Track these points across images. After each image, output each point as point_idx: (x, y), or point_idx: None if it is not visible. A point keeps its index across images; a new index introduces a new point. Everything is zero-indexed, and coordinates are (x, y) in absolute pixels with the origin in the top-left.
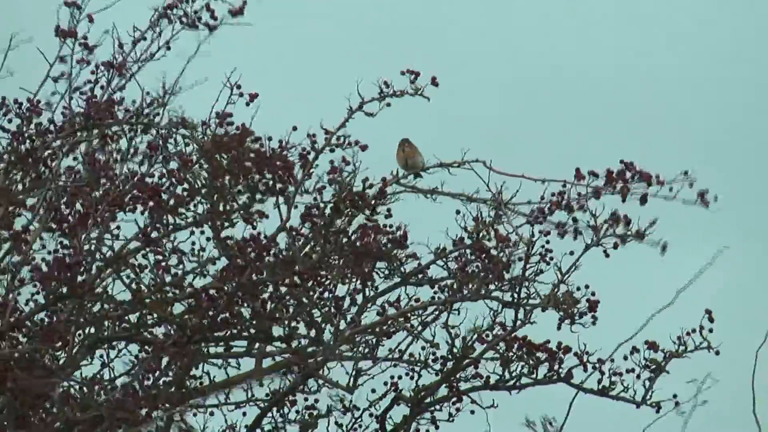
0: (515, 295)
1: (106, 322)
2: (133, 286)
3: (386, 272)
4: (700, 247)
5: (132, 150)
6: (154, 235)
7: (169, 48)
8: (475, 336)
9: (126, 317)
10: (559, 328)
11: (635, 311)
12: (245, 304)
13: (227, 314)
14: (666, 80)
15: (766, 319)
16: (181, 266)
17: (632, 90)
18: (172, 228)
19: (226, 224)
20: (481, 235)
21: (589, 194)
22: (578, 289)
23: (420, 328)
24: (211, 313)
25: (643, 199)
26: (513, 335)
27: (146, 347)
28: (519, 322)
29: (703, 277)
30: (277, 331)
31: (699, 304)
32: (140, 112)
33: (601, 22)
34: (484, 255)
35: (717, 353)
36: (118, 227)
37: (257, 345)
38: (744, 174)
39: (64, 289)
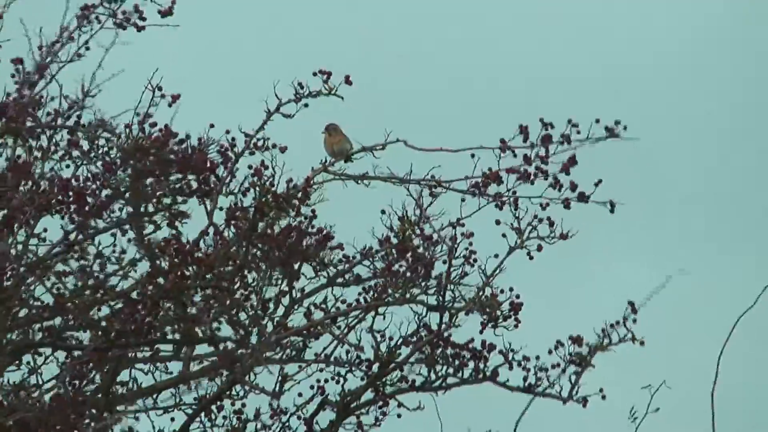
0: (440, 299)
1: (31, 328)
2: (56, 291)
3: (313, 272)
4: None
5: (53, 147)
6: (78, 238)
7: (88, 48)
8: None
9: (52, 323)
10: (481, 331)
11: (560, 309)
12: (169, 308)
13: (150, 318)
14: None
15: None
16: (103, 270)
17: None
18: (94, 231)
19: (149, 226)
20: (407, 234)
21: (522, 164)
22: (502, 291)
23: (345, 331)
24: (135, 317)
25: (572, 161)
26: (438, 337)
27: (71, 354)
28: (444, 325)
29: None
30: (201, 334)
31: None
32: (62, 114)
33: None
34: (410, 254)
35: (642, 344)
36: (45, 230)
37: (183, 349)
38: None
39: None
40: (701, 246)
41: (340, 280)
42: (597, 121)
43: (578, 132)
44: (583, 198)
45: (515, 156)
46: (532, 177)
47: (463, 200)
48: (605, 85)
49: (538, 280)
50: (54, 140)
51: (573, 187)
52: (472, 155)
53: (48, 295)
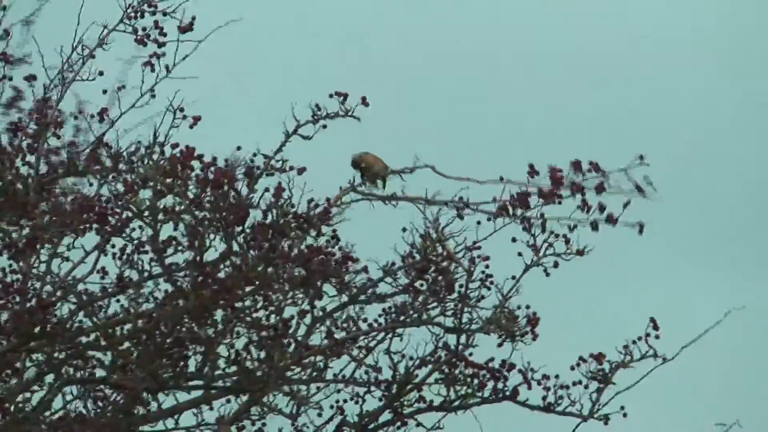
0: (456, 321)
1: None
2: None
3: (335, 290)
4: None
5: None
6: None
7: (153, 96)
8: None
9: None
10: (500, 345)
11: (580, 328)
12: (191, 330)
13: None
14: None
15: None
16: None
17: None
18: (147, 276)
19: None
20: (429, 251)
21: (547, 194)
22: (518, 307)
23: (364, 352)
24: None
25: (600, 189)
26: (457, 357)
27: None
28: (462, 346)
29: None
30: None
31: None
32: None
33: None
34: (434, 269)
35: (664, 360)
36: (68, 249)
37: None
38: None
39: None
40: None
41: (362, 297)
42: (625, 171)
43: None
44: (611, 219)
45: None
46: (557, 199)
47: (478, 222)
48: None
49: (557, 299)
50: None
51: (601, 208)
52: (501, 179)
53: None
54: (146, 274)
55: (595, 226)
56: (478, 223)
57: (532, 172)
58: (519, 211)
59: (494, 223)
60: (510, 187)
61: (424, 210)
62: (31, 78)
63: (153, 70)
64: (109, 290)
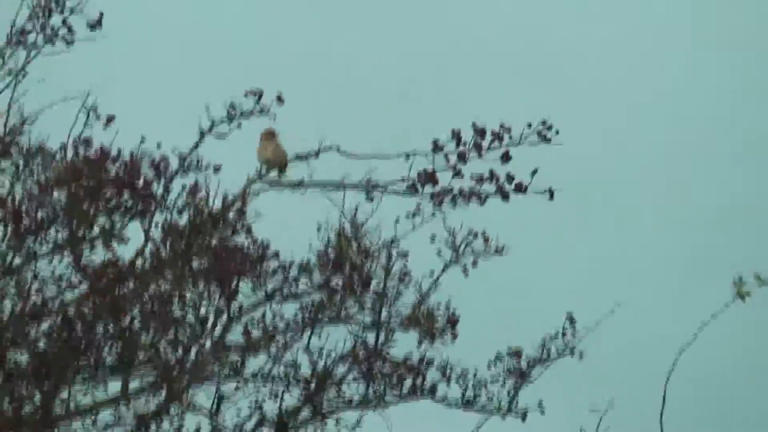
0: (376, 318)
1: None
2: None
3: (252, 287)
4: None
5: None
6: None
7: (25, 73)
8: None
9: None
10: (419, 345)
11: (498, 323)
12: (108, 327)
13: (86, 341)
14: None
15: None
16: (41, 293)
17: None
18: (33, 255)
19: (86, 249)
20: (344, 248)
21: (457, 161)
22: (438, 307)
23: (282, 350)
24: (71, 338)
25: (506, 156)
26: (376, 354)
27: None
28: (380, 344)
29: None
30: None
31: None
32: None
33: None
34: (348, 267)
35: (581, 356)
36: None
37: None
38: None
39: None
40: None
41: (277, 296)
42: (528, 125)
43: (510, 137)
44: (521, 188)
45: (448, 160)
46: (462, 173)
47: (396, 221)
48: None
49: (476, 295)
50: None
51: (510, 178)
52: (407, 156)
53: None
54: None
55: (505, 195)
56: (397, 221)
57: (436, 147)
58: (427, 188)
59: (412, 221)
60: (417, 162)
61: (336, 200)
62: None
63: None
64: None
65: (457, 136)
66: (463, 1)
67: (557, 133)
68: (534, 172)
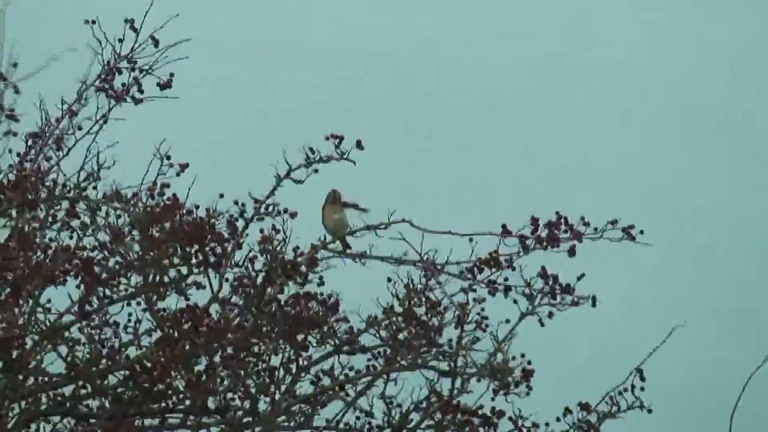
0: (451, 365)
1: (42, 396)
2: (69, 359)
3: (319, 340)
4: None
5: (50, 218)
6: (88, 308)
7: (105, 122)
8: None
9: (60, 391)
10: (493, 398)
11: (569, 373)
12: (179, 376)
13: (162, 386)
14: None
15: None
16: (116, 339)
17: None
18: (107, 301)
19: (160, 297)
20: (412, 302)
21: (519, 248)
22: (513, 358)
23: (355, 397)
24: (145, 385)
25: (572, 251)
26: (449, 403)
27: (82, 421)
28: (455, 392)
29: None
30: (212, 403)
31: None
32: (76, 186)
33: None
34: (415, 322)
35: (650, 412)
36: (49, 300)
37: (192, 417)
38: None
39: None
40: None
41: (346, 348)
42: (614, 222)
43: (595, 229)
44: (568, 290)
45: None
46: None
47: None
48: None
49: (550, 344)
50: (52, 211)
51: (555, 279)
52: (470, 239)
53: (56, 365)
54: (107, 300)
55: (553, 294)
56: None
57: (505, 232)
58: (486, 273)
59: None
60: (487, 242)
61: (397, 270)
62: (34, 136)
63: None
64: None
65: (534, 223)
66: None
67: (642, 232)
68: (580, 278)
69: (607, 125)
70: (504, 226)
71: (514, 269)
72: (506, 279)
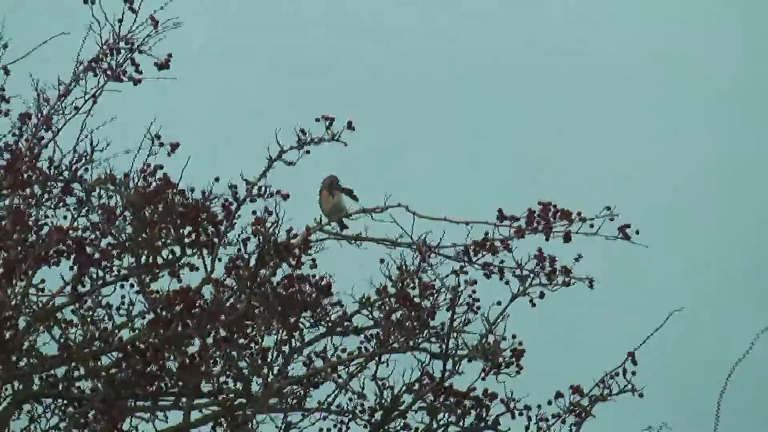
0: (443, 347)
1: (34, 378)
2: (62, 341)
3: (312, 322)
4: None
5: (46, 195)
6: (81, 289)
7: (95, 102)
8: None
9: (53, 372)
10: (484, 378)
11: (563, 356)
12: (172, 357)
13: (155, 368)
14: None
15: None
16: (109, 321)
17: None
18: (100, 283)
19: (153, 278)
20: (405, 283)
21: (513, 235)
22: (504, 338)
23: (348, 379)
24: (138, 367)
25: (567, 237)
26: (440, 385)
27: (75, 403)
28: (447, 373)
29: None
30: (205, 385)
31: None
32: (69, 167)
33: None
34: (408, 303)
35: (641, 396)
36: (42, 281)
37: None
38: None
39: None
40: (700, 285)
41: (339, 329)
42: (611, 219)
43: (591, 226)
44: (565, 272)
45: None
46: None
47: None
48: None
49: (541, 326)
50: (48, 188)
51: (552, 260)
52: (466, 224)
53: (49, 346)
54: (100, 282)
55: (550, 277)
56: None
57: (501, 216)
58: (480, 255)
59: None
60: (476, 229)
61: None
62: (25, 116)
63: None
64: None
65: (530, 214)
66: None
67: (637, 233)
68: (577, 259)
69: (608, 117)
70: (500, 211)
71: (510, 251)
72: (502, 261)
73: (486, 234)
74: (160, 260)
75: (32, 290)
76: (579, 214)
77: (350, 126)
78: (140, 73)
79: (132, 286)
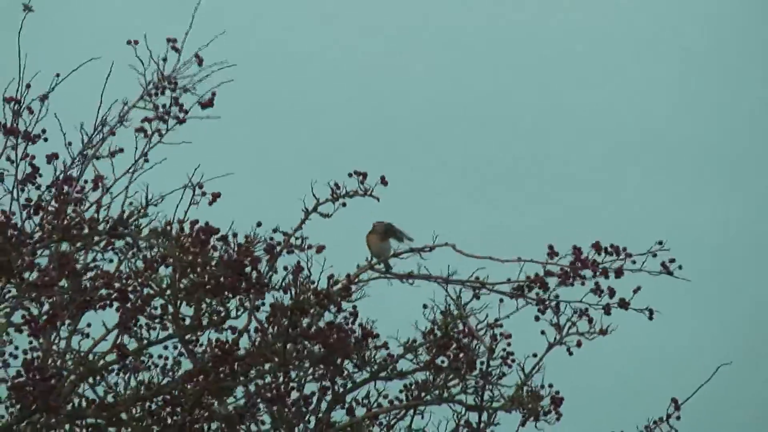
0: (478, 399)
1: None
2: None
3: (355, 366)
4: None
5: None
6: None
7: (147, 160)
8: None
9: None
10: (523, 425)
11: (599, 402)
12: (214, 408)
13: (195, 418)
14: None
15: None
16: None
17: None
18: (145, 343)
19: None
20: (450, 327)
21: (568, 269)
22: (542, 387)
23: (385, 430)
24: (174, 418)
25: (619, 272)
26: None
27: None
28: (483, 424)
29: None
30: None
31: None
32: (121, 221)
33: None
34: (455, 345)
35: None
36: (88, 325)
37: None
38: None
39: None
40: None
41: (383, 374)
42: (654, 255)
43: (633, 262)
44: (623, 304)
45: (564, 272)
46: (571, 281)
47: (501, 300)
48: None
49: (578, 375)
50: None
51: (611, 293)
52: (519, 258)
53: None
54: (145, 341)
55: (607, 310)
56: (501, 300)
57: (552, 253)
58: (535, 292)
59: (516, 301)
60: (528, 267)
61: (446, 288)
62: (52, 156)
63: (146, 136)
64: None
65: (577, 252)
66: None
67: (680, 268)
68: (636, 290)
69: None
70: (551, 247)
71: (572, 284)
72: (557, 296)
73: (537, 273)
74: (205, 320)
75: (76, 336)
76: (624, 249)
77: (383, 181)
78: (186, 113)
79: (176, 347)
